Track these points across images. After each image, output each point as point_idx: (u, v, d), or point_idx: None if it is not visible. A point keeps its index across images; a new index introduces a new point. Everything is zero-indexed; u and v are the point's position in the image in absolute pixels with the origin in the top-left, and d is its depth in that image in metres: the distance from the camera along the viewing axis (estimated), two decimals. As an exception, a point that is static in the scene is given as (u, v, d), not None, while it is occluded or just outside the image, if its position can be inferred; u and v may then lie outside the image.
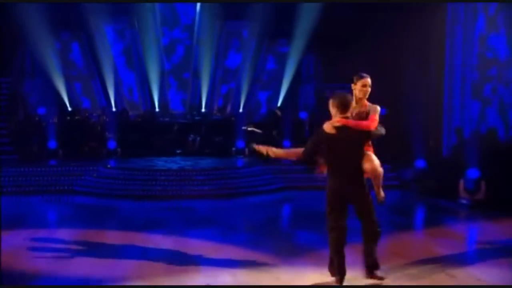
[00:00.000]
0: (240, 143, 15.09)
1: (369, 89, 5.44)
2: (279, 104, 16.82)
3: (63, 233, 8.47)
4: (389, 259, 5.98)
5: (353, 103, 5.28)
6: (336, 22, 15.14)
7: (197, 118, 16.06)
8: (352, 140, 5.06)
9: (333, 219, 5.23)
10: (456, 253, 6.85)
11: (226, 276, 5.90)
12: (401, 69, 14.22)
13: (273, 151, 5.95)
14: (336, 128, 4.96)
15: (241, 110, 16.69)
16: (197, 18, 16.96)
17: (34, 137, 14.32)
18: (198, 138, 15.36)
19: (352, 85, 5.44)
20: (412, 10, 13.70)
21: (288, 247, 7.30)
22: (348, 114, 5.12)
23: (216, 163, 13.90)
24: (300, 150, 5.59)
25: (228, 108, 17.20)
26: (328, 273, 5.65)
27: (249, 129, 15.24)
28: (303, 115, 15.76)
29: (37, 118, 15.09)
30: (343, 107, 5.06)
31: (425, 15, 13.45)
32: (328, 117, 5.59)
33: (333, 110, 5.11)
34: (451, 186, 11.13)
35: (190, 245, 7.45)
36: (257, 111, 17.15)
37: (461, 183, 10.93)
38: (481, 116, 12.77)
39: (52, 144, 14.09)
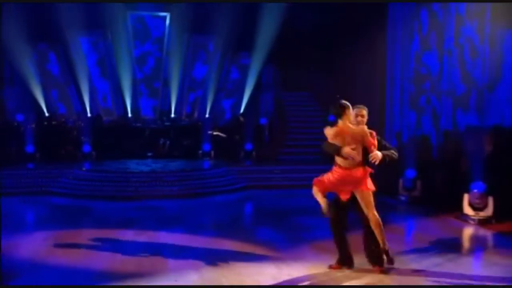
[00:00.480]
0: (206, 146, 15.02)
1: None
2: (241, 111, 16.86)
3: (41, 233, 8.22)
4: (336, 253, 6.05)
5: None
6: (292, 37, 15.38)
7: (166, 123, 15.91)
8: None
9: None
10: (395, 245, 6.79)
11: (192, 273, 5.90)
12: (350, 81, 14.47)
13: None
14: None
15: (207, 116, 16.60)
16: (166, 32, 16.86)
17: (13, 141, 13.93)
18: (168, 142, 15.25)
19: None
20: (359, 29, 13.95)
21: (248, 244, 7.29)
22: None
23: (184, 165, 13.78)
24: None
25: (196, 114, 17.09)
26: (284, 267, 5.98)
27: (215, 133, 15.26)
28: (263, 121, 15.80)
29: (15, 124, 14.63)
30: None
31: (371, 34, 13.68)
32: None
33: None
34: (392, 184, 11.09)
35: (160, 243, 7.41)
36: (222, 117, 17.11)
37: (401, 182, 11.07)
38: (417, 123, 12.92)
39: (30, 148, 13.66)
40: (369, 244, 5.71)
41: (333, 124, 5.58)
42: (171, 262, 6.33)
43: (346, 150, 5.32)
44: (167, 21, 16.86)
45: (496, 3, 12.21)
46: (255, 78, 16.72)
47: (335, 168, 5.50)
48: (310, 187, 12.99)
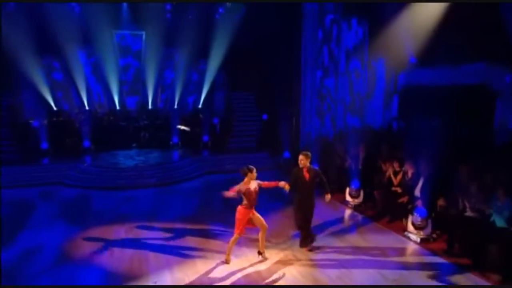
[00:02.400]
0: (175, 139, 14.80)
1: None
2: (200, 105, 16.69)
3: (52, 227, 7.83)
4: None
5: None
6: (239, 49, 15.17)
7: (145, 122, 15.42)
8: None
9: None
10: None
11: (166, 274, 5.86)
12: (276, 91, 14.55)
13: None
14: None
15: (175, 107, 16.41)
16: (143, 46, 16.26)
17: (30, 140, 13.15)
18: (147, 135, 14.91)
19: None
20: (286, 51, 13.88)
21: (205, 236, 7.22)
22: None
23: (159, 156, 13.19)
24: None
25: (167, 107, 16.82)
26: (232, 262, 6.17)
27: (181, 128, 15.04)
28: (216, 120, 15.65)
29: (31, 123, 13.78)
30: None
31: (291, 59, 13.66)
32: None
33: None
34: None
35: (143, 237, 7.18)
36: (185, 109, 16.82)
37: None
38: (321, 126, 13.18)
39: (44, 145, 13.06)
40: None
41: None
42: (149, 262, 6.24)
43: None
44: (143, 38, 16.24)
45: (372, 42, 12.69)
46: (210, 80, 16.49)
47: None
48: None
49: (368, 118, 13.50)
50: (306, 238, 6.64)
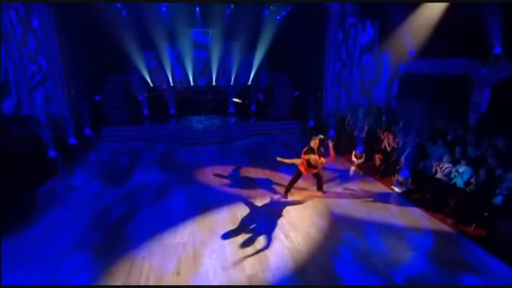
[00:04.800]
0: (231, 108, 15.03)
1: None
2: (249, 82, 16.60)
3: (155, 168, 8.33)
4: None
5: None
6: (278, 42, 14.77)
7: (211, 96, 15.78)
8: None
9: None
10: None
11: (225, 211, 5.85)
12: (306, 75, 14.21)
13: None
14: None
15: (232, 83, 16.57)
16: (210, 41, 16.31)
17: (137, 108, 14.01)
18: (212, 105, 15.32)
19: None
20: (315, 47, 13.35)
21: (248, 191, 7.00)
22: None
23: (219, 121, 13.18)
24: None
25: (226, 85, 16.81)
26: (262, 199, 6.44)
27: (235, 100, 15.20)
28: (260, 96, 15.57)
29: (138, 97, 14.54)
30: None
31: (318, 52, 13.13)
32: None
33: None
34: (323, 133, 11.16)
35: (212, 190, 6.99)
36: (239, 85, 16.70)
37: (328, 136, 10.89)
38: (338, 103, 12.95)
39: (146, 111, 13.91)
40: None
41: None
42: (215, 202, 6.29)
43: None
44: (210, 34, 16.27)
45: (381, 39, 11.95)
46: (257, 64, 16.29)
47: None
48: (283, 134, 11.37)
49: (374, 97, 13.14)
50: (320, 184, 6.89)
